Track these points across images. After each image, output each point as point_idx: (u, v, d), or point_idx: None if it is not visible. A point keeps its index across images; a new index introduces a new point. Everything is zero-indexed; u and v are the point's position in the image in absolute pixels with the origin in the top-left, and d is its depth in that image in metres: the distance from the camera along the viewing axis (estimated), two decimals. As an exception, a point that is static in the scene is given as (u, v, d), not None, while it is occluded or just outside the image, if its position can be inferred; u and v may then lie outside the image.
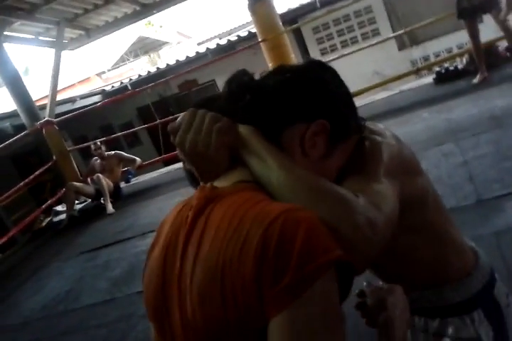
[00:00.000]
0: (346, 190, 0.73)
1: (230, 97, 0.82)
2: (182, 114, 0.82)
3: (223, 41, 10.15)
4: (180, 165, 5.44)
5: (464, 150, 3.47)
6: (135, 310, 3.07)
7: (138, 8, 7.82)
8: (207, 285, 0.63)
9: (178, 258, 0.71)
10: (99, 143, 6.44)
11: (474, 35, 4.94)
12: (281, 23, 6.05)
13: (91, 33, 8.20)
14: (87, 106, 8.66)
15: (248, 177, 0.76)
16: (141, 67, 16.29)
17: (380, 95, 6.42)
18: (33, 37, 7.70)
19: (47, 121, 6.80)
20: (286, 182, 0.72)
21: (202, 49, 10.28)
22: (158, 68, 10.52)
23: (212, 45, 10.24)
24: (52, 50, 7.53)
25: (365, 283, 0.90)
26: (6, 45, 7.00)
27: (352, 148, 0.85)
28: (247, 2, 5.93)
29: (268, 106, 0.78)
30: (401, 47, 9.24)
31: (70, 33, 8.02)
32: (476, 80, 5.05)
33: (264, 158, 0.75)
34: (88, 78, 17.12)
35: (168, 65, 10.41)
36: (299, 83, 0.79)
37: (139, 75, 10.69)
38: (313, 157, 0.79)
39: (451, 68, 5.69)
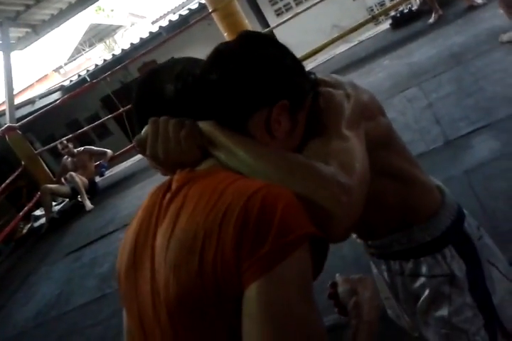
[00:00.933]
0: (314, 161, 0.73)
1: (180, 96, 0.80)
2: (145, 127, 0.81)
3: (175, 17, 9.88)
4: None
5: (428, 93, 3.43)
6: None
7: (81, -5, 7.51)
8: (184, 256, 0.63)
9: (151, 234, 0.73)
10: (65, 141, 6.29)
11: None
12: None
13: (38, 30, 7.86)
14: (48, 104, 8.41)
15: (221, 165, 0.77)
16: (99, 55, 15.88)
17: (340, 48, 6.31)
18: (-23, 41, 7.39)
19: (8, 127, 6.61)
20: (257, 168, 0.72)
21: (156, 28, 10.01)
22: (113, 55, 10.25)
23: (165, 22, 9.96)
24: (1, 53, 7.26)
25: (337, 275, 0.91)
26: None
27: (309, 107, 0.83)
28: None
29: (224, 100, 0.77)
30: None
31: (16, 32, 7.69)
32: (431, 20, 4.98)
33: (233, 151, 0.75)
34: (46, 75, 16.68)
35: (123, 50, 10.14)
36: (245, 68, 0.76)
37: (96, 65, 10.42)
38: (281, 136, 0.79)
39: (406, 11, 5.57)
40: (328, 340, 0.60)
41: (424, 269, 0.97)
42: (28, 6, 7.16)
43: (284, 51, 0.81)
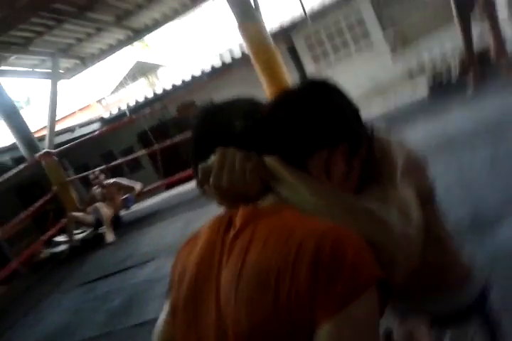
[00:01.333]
0: (377, 207, 0.77)
1: (248, 131, 0.85)
2: (213, 156, 0.85)
3: (218, 63, 10.20)
4: (180, 189, 5.33)
5: (461, 165, 3.40)
6: None
7: (131, 33, 7.91)
8: (258, 292, 0.66)
9: (215, 269, 0.76)
10: (97, 172, 6.46)
11: (468, 37, 4.77)
12: (272, 42, 5.96)
13: (86, 61, 8.29)
14: (86, 134, 8.68)
15: (282, 202, 0.81)
16: (140, 90, 16.39)
17: (376, 109, 6.37)
18: (29, 69, 7.79)
19: (46, 152, 6.85)
20: (321, 208, 0.76)
21: (198, 72, 10.34)
22: (155, 93, 10.59)
23: (207, 67, 10.29)
24: (49, 81, 7.62)
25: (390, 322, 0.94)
26: (3, 79, 7.09)
27: (365, 154, 0.88)
28: (237, 23, 5.89)
29: (289, 138, 0.82)
30: (393, 50, 9.06)
31: (65, 62, 8.11)
32: (470, 92, 4.97)
33: (294, 186, 0.79)
34: (88, 105, 17.26)
35: (164, 89, 10.46)
36: (311, 111, 0.82)
37: (136, 101, 10.75)
38: (337, 178, 0.83)
39: (444, 82, 5.63)
40: None
41: (447, 339, 0.99)
42: (79, 40, 7.59)
43: (344, 98, 0.87)
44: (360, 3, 8.97)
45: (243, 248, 0.73)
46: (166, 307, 0.89)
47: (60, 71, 8.08)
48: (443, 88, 5.55)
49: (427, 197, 0.95)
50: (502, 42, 4.67)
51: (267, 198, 0.82)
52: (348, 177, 0.85)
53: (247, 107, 0.90)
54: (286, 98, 0.87)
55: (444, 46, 7.88)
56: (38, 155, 6.77)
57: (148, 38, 19.37)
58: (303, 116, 0.82)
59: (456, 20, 4.76)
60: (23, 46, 6.90)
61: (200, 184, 0.87)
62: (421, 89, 6.17)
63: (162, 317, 0.89)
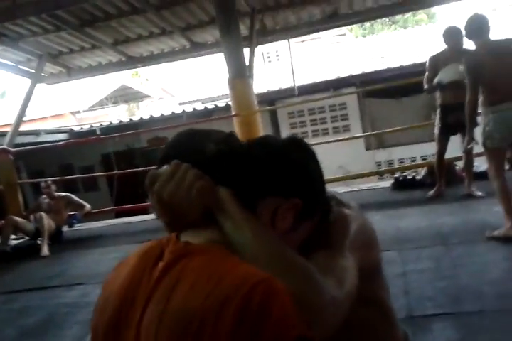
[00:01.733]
0: (315, 267, 0.79)
1: (216, 157, 0.86)
2: (167, 166, 0.84)
3: (201, 107, 10.41)
4: (129, 219, 5.27)
5: (405, 261, 3.52)
6: None
7: (124, 58, 8.01)
8: (178, 336, 0.65)
9: (140, 302, 0.74)
10: (49, 182, 6.28)
11: (441, 151, 5.13)
12: (256, 103, 6.31)
13: (72, 72, 8.28)
14: (50, 142, 8.50)
15: (220, 238, 0.79)
16: (118, 114, 16.35)
17: (340, 189, 6.55)
18: (13, 64, 7.72)
19: (2, 149, 6.64)
20: (259, 254, 0.76)
21: (179, 109, 10.49)
22: (130, 119, 10.62)
23: (189, 108, 10.47)
24: (29, 81, 7.54)
25: None
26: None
27: (317, 222, 0.92)
28: (227, 76, 6.19)
29: (251, 176, 0.85)
30: (368, 147, 9.65)
31: (50, 67, 8.10)
32: (431, 193, 5.22)
33: (240, 224, 0.79)
34: (62, 114, 17.02)
35: (141, 118, 10.53)
36: (282, 161, 0.87)
37: (110, 122, 10.74)
38: (279, 229, 0.84)
39: (409, 177, 5.91)
40: None
41: None
42: (71, 50, 7.68)
43: (317, 165, 0.93)
44: (349, 100, 9.46)
45: (169, 287, 0.71)
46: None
47: (43, 74, 8.02)
48: (406, 186, 5.80)
49: (374, 267, 1.02)
50: (472, 175, 5.05)
51: (202, 233, 0.81)
52: (290, 234, 0.86)
53: (221, 137, 0.91)
54: (264, 141, 0.94)
55: (415, 156, 8.45)
56: (-6, 149, 6.56)
57: (142, 70, 19.60)
58: (269, 160, 0.86)
59: (436, 133, 5.09)
60: (13, 40, 6.89)
61: (146, 189, 0.86)
62: (385, 183, 6.41)
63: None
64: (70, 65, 8.23)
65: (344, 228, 0.94)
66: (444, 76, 4.71)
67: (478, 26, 3.78)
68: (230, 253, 0.76)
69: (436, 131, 5.09)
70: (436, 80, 4.79)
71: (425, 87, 4.94)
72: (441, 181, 5.23)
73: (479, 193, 4.90)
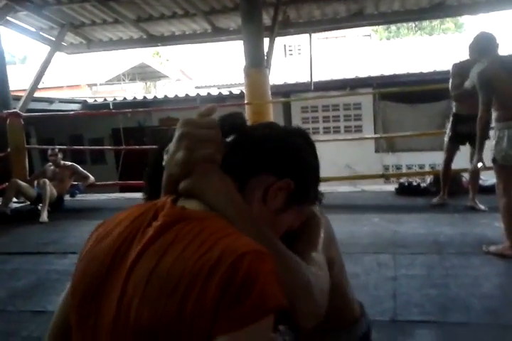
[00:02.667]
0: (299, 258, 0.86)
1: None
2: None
3: (215, 92, 10.40)
4: (132, 195, 5.32)
5: (398, 266, 3.52)
6: (20, 329, 2.94)
7: (145, 36, 7.99)
8: (165, 296, 0.69)
9: (129, 259, 0.76)
10: (56, 150, 6.30)
11: (450, 160, 5.12)
12: (269, 93, 6.27)
13: (91, 44, 8.31)
14: (63, 111, 8.53)
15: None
16: (135, 91, 16.37)
17: (344, 188, 6.54)
18: (35, 30, 7.73)
19: (14, 112, 6.67)
20: (244, 231, 0.77)
21: (194, 93, 10.48)
22: (144, 97, 10.60)
23: (204, 92, 10.45)
24: (48, 48, 7.55)
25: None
26: (5, 30, 7.02)
27: (304, 217, 0.98)
28: (244, 64, 6.16)
29: (248, 151, 0.88)
30: (378, 149, 9.61)
31: (71, 37, 8.13)
32: (435, 200, 5.21)
33: (227, 195, 0.82)
34: (78, 86, 17.07)
35: (155, 97, 10.51)
36: (280, 142, 0.91)
37: (124, 98, 10.73)
38: (269, 207, 0.88)
39: (414, 184, 5.88)
40: None
41: None
42: (93, 23, 7.67)
43: (315, 157, 0.98)
44: (364, 100, 9.41)
45: (162, 248, 0.74)
46: (67, 288, 0.89)
47: (63, 43, 8.03)
48: (411, 192, 5.79)
49: (333, 263, 1.08)
50: (477, 188, 5.06)
51: (197, 201, 0.82)
52: (279, 216, 0.90)
53: (228, 114, 0.96)
54: (268, 123, 1.00)
55: (424, 163, 8.42)
56: (5, 112, 6.58)
57: (163, 50, 19.57)
58: (268, 138, 0.91)
59: (445, 141, 5.10)
60: (38, 6, 6.90)
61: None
62: (391, 187, 6.39)
63: (61, 298, 0.90)
64: (91, 36, 8.24)
65: (318, 228, 1.03)
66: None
67: (487, 43, 3.75)
68: (226, 222, 0.79)
69: (446, 139, 5.07)
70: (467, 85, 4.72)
71: (452, 93, 4.88)
72: (445, 190, 5.21)
73: (482, 207, 4.88)
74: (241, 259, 0.68)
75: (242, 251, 0.69)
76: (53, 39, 7.69)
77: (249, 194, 0.86)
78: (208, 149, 0.82)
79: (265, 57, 6.45)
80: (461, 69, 4.83)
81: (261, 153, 0.88)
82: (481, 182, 5.51)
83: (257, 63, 6.19)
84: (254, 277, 0.67)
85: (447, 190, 5.22)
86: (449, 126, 5.05)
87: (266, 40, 6.67)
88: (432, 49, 11.29)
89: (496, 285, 3.12)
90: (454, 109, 4.99)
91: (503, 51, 3.90)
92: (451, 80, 4.90)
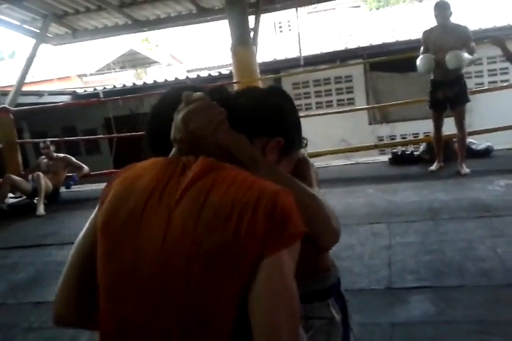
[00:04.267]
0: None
1: None
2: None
3: (205, 74, 10.31)
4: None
5: (393, 234, 3.52)
6: (20, 321, 2.99)
7: (130, 22, 7.86)
8: (221, 221, 0.81)
9: (173, 200, 0.86)
10: (48, 142, 6.29)
11: (438, 126, 5.13)
12: (258, 70, 6.21)
13: (77, 34, 8.16)
14: (53, 102, 8.48)
15: None
16: (126, 79, 16.20)
17: (339, 162, 6.53)
18: (18, 23, 7.61)
19: (3, 107, 6.64)
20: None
21: (183, 77, 10.39)
22: (134, 84, 10.52)
23: (194, 75, 10.36)
24: (33, 41, 7.46)
25: None
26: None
27: (294, 162, 1.14)
28: (230, 43, 6.08)
29: (238, 121, 0.99)
30: (371, 121, 9.55)
31: (55, 28, 7.97)
32: (433, 167, 5.21)
33: (256, 161, 0.97)
34: (68, 77, 16.92)
35: (145, 83, 10.42)
36: (262, 104, 1.05)
37: (114, 86, 10.65)
38: None
39: (408, 152, 5.86)
40: None
41: (315, 313, 1.27)
42: (77, 11, 7.50)
43: (295, 111, 1.13)
44: (355, 72, 9.34)
45: (205, 188, 0.85)
46: (88, 225, 0.98)
47: (48, 35, 7.91)
48: (404, 161, 5.78)
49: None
50: (464, 152, 5.09)
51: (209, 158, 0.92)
52: None
53: (214, 88, 1.08)
54: (246, 90, 1.12)
55: (418, 132, 8.39)
56: (-7, 108, 6.55)
57: (151, 34, 19.32)
58: (251, 105, 1.05)
59: (431, 112, 5.17)
60: (18, -2, 6.74)
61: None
62: (385, 157, 6.39)
63: (82, 234, 0.98)
64: (76, 26, 8.10)
65: (308, 164, 1.22)
66: (449, 63, 4.65)
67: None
68: (248, 171, 0.92)
69: (427, 106, 5.09)
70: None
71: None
72: (440, 156, 5.20)
73: (467, 170, 4.88)
74: (277, 196, 0.83)
75: (275, 189, 0.85)
76: (38, 31, 7.57)
77: None
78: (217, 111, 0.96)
79: (252, 35, 6.35)
80: (426, 37, 4.92)
81: (249, 120, 1.02)
82: (473, 146, 5.50)
83: (243, 41, 6.10)
84: (289, 210, 0.83)
85: (443, 156, 5.21)
86: (428, 93, 5.05)
87: (252, 18, 6.56)
88: (421, 15, 11.11)
89: (490, 247, 3.12)
90: (431, 76, 4.98)
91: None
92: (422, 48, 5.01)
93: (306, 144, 1.17)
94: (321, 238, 1.04)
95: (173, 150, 0.99)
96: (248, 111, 1.03)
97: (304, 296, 1.20)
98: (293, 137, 1.08)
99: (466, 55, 4.67)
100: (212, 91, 1.04)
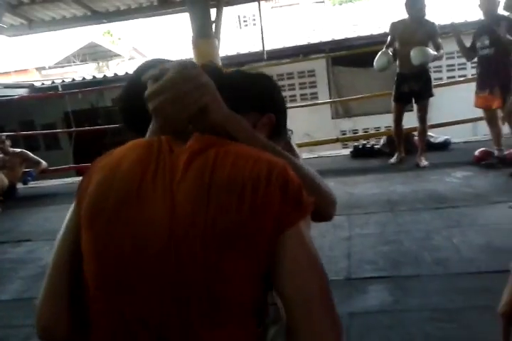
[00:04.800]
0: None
1: None
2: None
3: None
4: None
5: (352, 226, 3.57)
6: None
7: (89, 13, 7.67)
8: (235, 196, 0.76)
9: (174, 181, 0.79)
10: (3, 137, 6.10)
11: (398, 120, 5.20)
12: (220, 63, 6.14)
13: (33, 25, 7.88)
14: (9, 96, 8.21)
15: None
16: (87, 72, 15.85)
17: (302, 155, 6.55)
18: (-32, 14, 7.31)
19: (-46, 101, 6.38)
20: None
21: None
22: (94, 77, 10.29)
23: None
24: (-13, 32, 7.21)
25: None
26: None
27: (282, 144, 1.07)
28: (191, 36, 6.02)
29: (233, 95, 0.95)
30: (334, 116, 9.62)
31: (10, 18, 7.67)
32: (393, 160, 5.29)
33: (252, 137, 0.92)
34: (26, 70, 16.43)
35: (105, 76, 10.22)
36: (256, 82, 1.05)
37: (73, 79, 10.40)
38: None
39: (368, 146, 5.94)
40: None
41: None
42: (33, 1, 7.22)
43: (283, 99, 1.12)
44: (318, 67, 9.38)
45: (208, 165, 0.79)
46: (67, 226, 0.88)
47: (3, 25, 7.63)
48: (365, 154, 5.87)
49: None
50: (424, 145, 5.18)
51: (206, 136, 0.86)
52: None
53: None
54: (238, 70, 1.12)
55: (380, 126, 8.54)
56: None
57: (113, 26, 18.98)
58: (245, 81, 1.05)
59: (392, 105, 5.23)
60: (-33, -13, 6.48)
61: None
62: (347, 151, 6.46)
63: (61, 237, 0.88)
64: (32, 16, 7.82)
65: (294, 150, 1.23)
66: (414, 59, 4.72)
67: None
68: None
69: (392, 99, 5.14)
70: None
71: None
72: (401, 148, 5.28)
73: (425, 163, 4.98)
74: (285, 170, 0.81)
75: (281, 163, 0.82)
76: (-9, 21, 7.30)
77: None
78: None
79: (213, 27, 6.29)
80: (393, 29, 5.01)
81: (244, 95, 1.00)
82: (432, 139, 5.61)
83: (204, 33, 6.02)
84: (298, 182, 0.81)
85: (403, 149, 5.30)
86: (394, 86, 5.11)
87: (214, 11, 6.49)
88: (383, 10, 11.26)
89: (446, 237, 3.20)
90: (397, 69, 5.06)
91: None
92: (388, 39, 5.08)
93: (289, 137, 1.18)
94: (325, 208, 1.06)
95: (152, 126, 0.92)
96: (238, 85, 1.02)
97: None
98: (284, 116, 1.08)
99: (430, 51, 4.75)
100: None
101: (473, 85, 4.91)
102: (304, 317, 0.77)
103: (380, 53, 4.94)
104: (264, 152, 0.86)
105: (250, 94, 1.01)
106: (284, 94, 1.11)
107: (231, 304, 0.78)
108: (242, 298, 0.78)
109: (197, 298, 0.76)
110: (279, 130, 1.06)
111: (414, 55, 4.68)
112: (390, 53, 4.91)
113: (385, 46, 5.04)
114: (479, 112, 5.05)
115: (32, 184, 6.56)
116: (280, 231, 0.77)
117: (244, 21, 16.59)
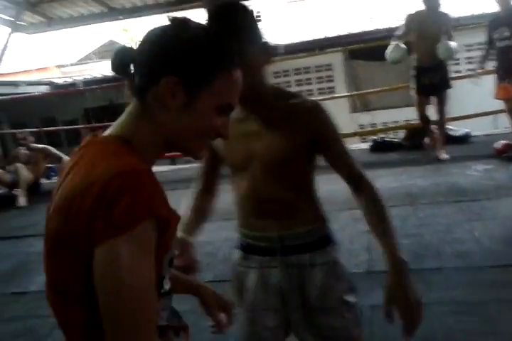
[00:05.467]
0: None
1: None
2: None
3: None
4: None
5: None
6: (2, 311, 3.01)
7: (106, 10, 7.75)
8: (62, 204, 0.78)
9: (59, 185, 0.84)
10: (26, 133, 6.28)
11: (423, 113, 5.10)
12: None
13: (52, 23, 8.02)
14: (30, 93, 8.35)
15: (125, 134, 0.84)
16: (106, 69, 15.98)
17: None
18: (-11, 11, 7.46)
19: (-24, 97, 6.52)
20: None
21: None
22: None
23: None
24: (8, 30, 7.34)
25: None
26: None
27: (234, 78, 0.86)
28: None
29: (136, 69, 0.88)
30: (352, 110, 9.58)
31: (29, 16, 7.82)
32: (442, 157, 5.04)
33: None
34: (47, 68, 16.62)
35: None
36: (154, 46, 0.86)
37: (93, 76, 10.52)
38: (173, 107, 0.83)
39: (388, 140, 5.91)
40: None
41: (318, 259, 1.36)
42: (51, -1, 7.33)
43: (209, 36, 0.86)
44: (335, 61, 9.35)
45: (72, 166, 0.83)
46: None
47: (22, 23, 7.76)
48: (384, 148, 5.84)
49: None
50: (444, 138, 5.12)
51: (121, 125, 0.86)
52: (191, 108, 0.84)
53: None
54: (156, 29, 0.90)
55: (398, 120, 8.47)
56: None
57: (130, 23, 19.09)
58: (147, 47, 0.87)
59: (413, 96, 5.13)
60: (-12, -15, 6.60)
61: None
62: (366, 145, 6.42)
63: None
64: (51, 14, 7.95)
65: (325, 114, 1.34)
66: (441, 54, 4.67)
67: None
68: (124, 147, 0.82)
69: (412, 93, 5.09)
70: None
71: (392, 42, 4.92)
72: (435, 142, 5.18)
73: (445, 156, 4.93)
74: (115, 177, 0.74)
75: (118, 170, 0.75)
76: (11, 19, 7.42)
77: (151, 107, 0.85)
78: None
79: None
80: (410, 21, 4.95)
81: (145, 62, 0.86)
82: (451, 132, 5.57)
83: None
84: (124, 192, 0.73)
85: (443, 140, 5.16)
86: (412, 79, 5.06)
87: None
88: (398, 2, 11.13)
89: (467, 230, 3.19)
90: (415, 62, 5.00)
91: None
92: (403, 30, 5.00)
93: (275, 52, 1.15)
94: None
95: None
96: (147, 46, 0.88)
97: (304, 246, 1.37)
98: (194, 70, 0.83)
99: (455, 45, 4.70)
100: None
101: (490, 78, 4.86)
102: (107, 336, 0.75)
103: (393, 45, 4.84)
104: (121, 155, 0.80)
105: (147, 61, 0.87)
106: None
107: (67, 296, 0.83)
108: (74, 291, 0.81)
109: (49, 284, 0.88)
110: (201, 80, 0.84)
111: (442, 50, 4.63)
112: (404, 46, 4.84)
113: (396, 37, 4.93)
114: (500, 105, 4.99)
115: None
116: (91, 245, 0.74)
117: (258, 16, 16.56)
